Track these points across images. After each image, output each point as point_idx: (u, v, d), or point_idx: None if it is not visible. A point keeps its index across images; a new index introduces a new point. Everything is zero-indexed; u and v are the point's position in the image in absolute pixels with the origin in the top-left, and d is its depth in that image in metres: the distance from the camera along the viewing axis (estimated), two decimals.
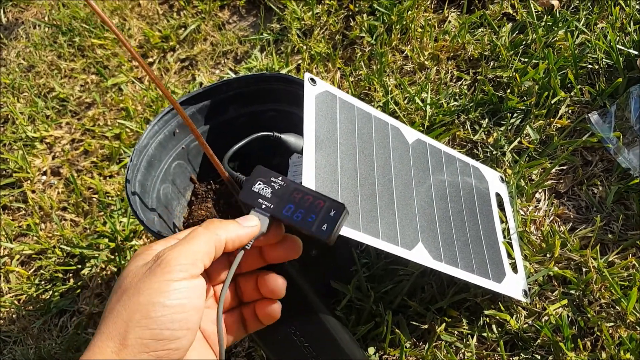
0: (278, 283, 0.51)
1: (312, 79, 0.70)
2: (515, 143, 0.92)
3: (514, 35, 1.06)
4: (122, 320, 0.42)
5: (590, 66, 0.96)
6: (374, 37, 1.16)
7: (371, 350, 0.78)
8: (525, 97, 0.96)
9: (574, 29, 1.01)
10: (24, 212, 1.18)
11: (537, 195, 0.88)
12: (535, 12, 1.07)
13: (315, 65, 1.17)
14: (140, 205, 0.75)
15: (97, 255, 1.04)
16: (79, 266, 1.05)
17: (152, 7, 1.47)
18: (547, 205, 0.86)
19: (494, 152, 0.92)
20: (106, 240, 1.05)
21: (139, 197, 0.76)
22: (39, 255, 1.10)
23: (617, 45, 0.93)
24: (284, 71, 1.18)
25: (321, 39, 1.21)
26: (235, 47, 1.31)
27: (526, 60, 1.00)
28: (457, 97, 1.01)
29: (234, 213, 0.86)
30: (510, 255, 0.82)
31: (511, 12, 1.10)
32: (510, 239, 0.83)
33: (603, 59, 0.95)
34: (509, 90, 0.97)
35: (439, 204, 0.77)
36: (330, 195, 0.62)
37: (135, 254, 0.47)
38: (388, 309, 0.81)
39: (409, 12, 1.15)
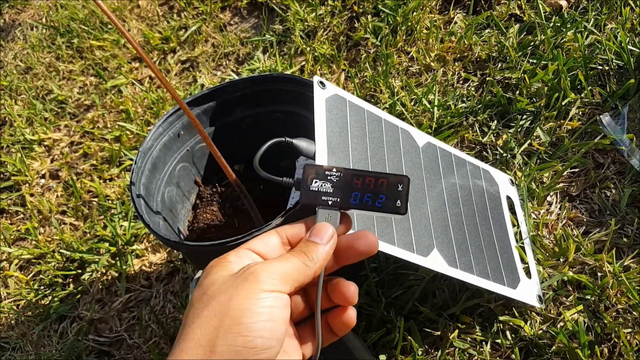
0: (350, 289, 0.48)
1: (322, 82, 0.69)
2: (526, 145, 0.90)
3: (522, 36, 1.05)
4: (211, 327, 0.40)
5: (600, 67, 0.95)
6: (378, 39, 1.14)
7: (382, 357, 0.76)
8: (534, 99, 0.94)
9: (582, 29, 1.00)
10: (22, 215, 1.16)
11: (548, 198, 0.87)
12: (544, 12, 1.06)
13: (319, 67, 1.15)
14: (145, 208, 0.72)
15: (97, 260, 1.02)
16: (79, 271, 1.03)
17: (151, 8, 1.45)
18: (559, 209, 0.85)
19: (504, 155, 0.90)
20: (106, 244, 1.03)
21: (144, 200, 0.74)
22: (38, 259, 1.07)
23: (628, 46, 0.92)
24: (287, 73, 1.16)
25: (325, 40, 1.20)
26: (237, 48, 1.30)
27: (535, 61, 0.99)
28: (464, 99, 0.99)
29: (241, 217, 0.84)
30: (523, 260, 0.80)
31: (518, 13, 1.09)
32: (522, 243, 0.82)
33: (614, 60, 0.94)
34: (517, 92, 0.96)
35: (451, 208, 0.75)
36: None
37: (212, 265, 0.46)
38: (399, 314, 0.79)
39: (414, 14, 1.14)
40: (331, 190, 0.49)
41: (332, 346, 0.63)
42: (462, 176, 0.80)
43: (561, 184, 0.87)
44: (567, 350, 0.71)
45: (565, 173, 0.87)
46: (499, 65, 1.02)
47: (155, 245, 1.02)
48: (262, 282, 0.42)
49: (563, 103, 0.92)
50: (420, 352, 0.76)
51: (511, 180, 0.88)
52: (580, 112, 0.92)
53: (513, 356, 0.72)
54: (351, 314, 0.49)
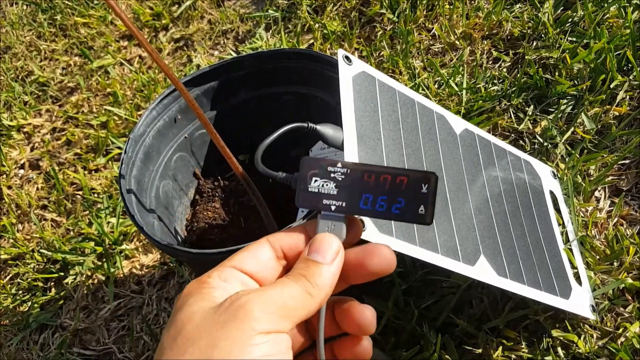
0: (366, 315, 0.37)
1: (347, 57, 0.57)
2: (569, 134, 0.80)
3: (559, 11, 0.94)
4: None
5: None
6: (396, 14, 1.03)
7: None
8: (576, 81, 0.84)
9: (626, 4, 0.89)
10: None
11: (596, 193, 0.76)
12: None
13: (329, 46, 1.04)
14: (137, 205, 0.61)
15: (82, 261, 0.90)
16: (62, 274, 0.91)
17: None
18: (609, 205, 0.75)
19: (544, 144, 0.80)
20: (92, 243, 0.91)
21: (135, 196, 0.62)
22: (15, 260, 0.96)
23: None
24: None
25: (335, 16, 1.08)
26: (236, 25, 1.18)
27: (575, 39, 0.88)
28: (496, 81, 0.88)
29: (246, 214, 0.73)
30: (572, 265, 0.70)
31: None
32: (570, 245, 0.71)
33: None
34: (557, 74, 0.85)
35: (495, 206, 0.65)
36: None
37: (188, 292, 0.35)
38: (431, 328, 0.68)
39: None
40: (335, 192, 0.38)
41: None
42: (503, 168, 0.70)
43: (610, 177, 0.77)
44: None
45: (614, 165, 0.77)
46: (534, 43, 0.91)
47: (147, 245, 0.91)
48: (255, 319, 0.32)
49: (611, 86, 0.81)
50: None
51: (553, 172, 0.78)
52: (629, 96, 0.82)
53: None
54: (366, 346, 0.39)
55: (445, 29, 0.97)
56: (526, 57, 0.87)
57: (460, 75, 0.87)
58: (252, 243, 0.38)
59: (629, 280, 0.67)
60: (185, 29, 1.20)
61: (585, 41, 0.87)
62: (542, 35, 0.91)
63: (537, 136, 0.81)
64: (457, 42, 0.96)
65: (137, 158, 0.66)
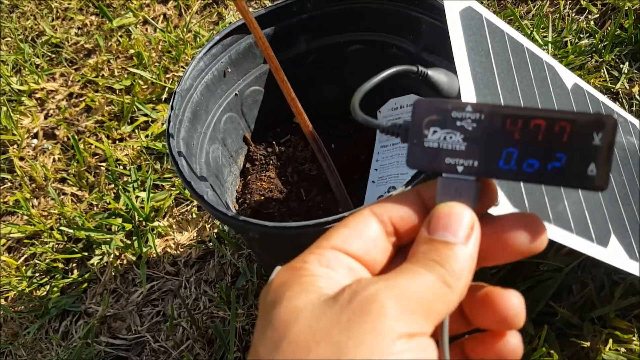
0: (512, 303, 0.27)
1: None
2: None
3: None
4: None
5: None
6: None
7: None
8: None
9: None
10: (10, 184, 0.93)
11: None
12: None
13: None
14: (189, 172, 0.51)
15: (108, 239, 0.80)
16: (85, 254, 0.81)
17: None
18: None
19: None
20: (120, 220, 0.81)
21: (186, 161, 0.52)
22: (31, 239, 0.85)
23: None
24: None
25: None
26: None
27: None
28: (583, 35, 0.77)
29: (308, 185, 0.62)
30: None
31: None
32: None
33: None
34: None
35: (614, 175, 0.54)
36: None
37: (283, 279, 0.26)
38: (528, 318, 0.58)
39: None
40: (463, 147, 0.28)
41: None
42: None
43: None
44: None
45: None
46: None
47: (182, 221, 0.80)
48: (393, 317, 0.23)
49: None
50: None
51: None
52: None
53: None
54: (515, 344, 0.28)
55: None
56: (621, 4, 0.76)
57: (544, 27, 0.76)
58: (350, 216, 0.28)
59: None
60: None
61: None
62: None
63: (636, 96, 0.70)
64: None
65: (184, 117, 0.55)
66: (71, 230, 0.82)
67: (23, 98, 1.02)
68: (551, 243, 0.45)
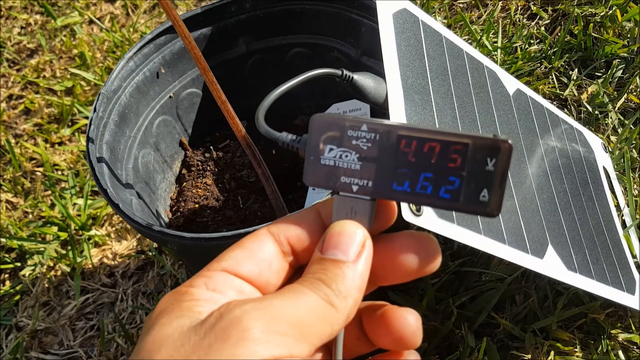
0: (408, 323, 0.26)
1: None
2: (622, 101, 0.68)
3: None
4: None
5: None
6: None
7: None
8: (628, 42, 0.72)
9: None
10: None
11: None
12: None
13: None
14: (110, 178, 0.47)
15: (42, 249, 0.76)
16: (18, 264, 0.77)
17: None
18: None
19: (594, 112, 0.68)
20: (55, 229, 0.77)
21: (108, 166, 0.48)
22: None
23: None
24: None
25: None
26: None
27: None
28: (533, 40, 0.76)
29: (246, 192, 0.60)
30: (631, 253, 0.59)
31: None
32: (628, 230, 0.60)
33: None
34: (604, 33, 0.74)
35: (555, 184, 0.53)
36: None
37: (163, 306, 0.25)
38: (469, 330, 0.57)
39: None
40: (358, 167, 0.27)
41: None
42: (559, 137, 0.58)
43: None
44: None
45: None
46: None
47: (121, 230, 0.77)
48: (256, 341, 0.21)
49: None
50: None
51: (604, 145, 0.66)
52: None
53: None
54: None
55: None
56: (570, 11, 0.75)
57: (494, 33, 0.75)
58: (247, 236, 0.27)
59: None
60: None
61: None
62: None
63: (584, 104, 0.69)
64: None
65: (110, 120, 0.52)
66: (3, 240, 0.77)
67: None
68: None
